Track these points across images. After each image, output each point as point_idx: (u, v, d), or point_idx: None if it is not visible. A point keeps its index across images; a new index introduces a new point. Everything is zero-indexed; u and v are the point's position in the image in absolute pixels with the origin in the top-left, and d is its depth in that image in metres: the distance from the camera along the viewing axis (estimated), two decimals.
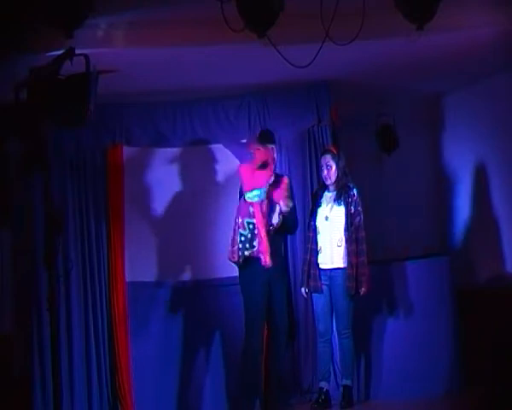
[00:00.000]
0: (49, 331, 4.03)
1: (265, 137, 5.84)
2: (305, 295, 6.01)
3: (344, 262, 5.82)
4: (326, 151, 6.03)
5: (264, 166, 5.68)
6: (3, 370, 5.81)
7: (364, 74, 6.13)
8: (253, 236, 5.59)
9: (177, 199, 6.40)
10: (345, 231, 5.83)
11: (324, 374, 5.94)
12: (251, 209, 5.61)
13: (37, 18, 3.99)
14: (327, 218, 5.89)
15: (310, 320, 6.22)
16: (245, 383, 5.74)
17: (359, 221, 5.85)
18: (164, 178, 6.40)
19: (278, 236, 5.79)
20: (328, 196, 5.96)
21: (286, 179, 5.77)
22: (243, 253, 5.61)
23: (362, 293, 5.79)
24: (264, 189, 5.63)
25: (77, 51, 3.85)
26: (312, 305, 6.03)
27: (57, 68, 3.83)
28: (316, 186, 6.21)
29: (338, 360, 6.07)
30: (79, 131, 6.01)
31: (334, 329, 5.98)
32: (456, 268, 6.40)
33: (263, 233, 5.56)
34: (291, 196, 5.76)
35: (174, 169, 6.41)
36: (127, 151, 6.39)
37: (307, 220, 6.10)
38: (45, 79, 3.80)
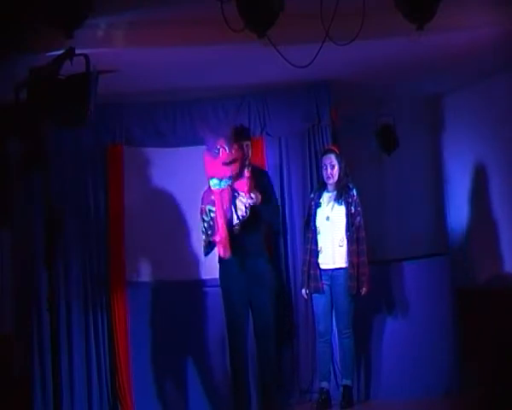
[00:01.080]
0: (49, 331, 4.04)
1: (239, 134, 5.66)
2: (305, 297, 5.99)
3: (345, 262, 5.81)
4: (329, 151, 6.01)
5: (229, 163, 5.49)
6: (3, 370, 5.80)
7: (364, 74, 6.13)
8: (215, 223, 5.51)
9: (178, 199, 6.40)
10: (346, 231, 5.83)
11: (325, 374, 5.94)
12: (212, 197, 5.56)
13: (37, 18, 3.99)
14: (328, 218, 5.88)
15: (310, 320, 6.21)
16: (234, 383, 5.72)
17: (359, 221, 5.84)
18: (164, 178, 6.41)
19: (257, 233, 5.64)
20: (328, 196, 5.94)
21: (247, 173, 5.50)
22: (206, 239, 5.57)
23: (363, 293, 5.78)
24: (226, 180, 5.50)
25: (77, 51, 3.85)
26: (312, 305, 6.03)
27: (57, 68, 3.83)
28: (315, 186, 6.20)
29: (338, 360, 6.07)
30: (79, 131, 6.01)
31: (334, 329, 5.98)
32: (456, 268, 6.39)
33: (220, 223, 5.47)
34: (265, 191, 5.61)
35: (174, 169, 6.40)
36: (127, 151, 6.39)
37: (307, 221, 6.09)
38: (45, 79, 3.80)
